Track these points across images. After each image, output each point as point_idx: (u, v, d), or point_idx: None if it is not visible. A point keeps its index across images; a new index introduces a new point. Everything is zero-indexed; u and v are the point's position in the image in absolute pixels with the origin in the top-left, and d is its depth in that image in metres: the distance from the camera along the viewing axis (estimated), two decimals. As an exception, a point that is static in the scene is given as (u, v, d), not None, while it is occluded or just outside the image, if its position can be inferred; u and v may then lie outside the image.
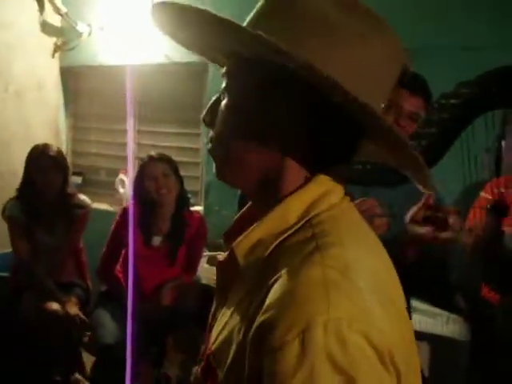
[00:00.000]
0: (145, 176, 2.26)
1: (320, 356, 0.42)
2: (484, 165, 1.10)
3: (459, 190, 1.83)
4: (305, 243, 0.51)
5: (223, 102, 0.58)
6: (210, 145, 0.61)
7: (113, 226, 2.32)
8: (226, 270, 0.60)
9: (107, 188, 3.40)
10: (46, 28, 3.27)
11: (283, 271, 0.48)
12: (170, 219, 2.29)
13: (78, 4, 3.19)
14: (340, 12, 0.52)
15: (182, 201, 2.32)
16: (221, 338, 0.56)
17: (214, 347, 0.57)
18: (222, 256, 0.60)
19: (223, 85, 0.59)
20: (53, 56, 3.36)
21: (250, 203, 0.66)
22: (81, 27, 3.11)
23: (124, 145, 3.36)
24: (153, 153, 2.32)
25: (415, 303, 1.69)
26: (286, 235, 0.53)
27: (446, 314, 1.78)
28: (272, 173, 0.56)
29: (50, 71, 3.39)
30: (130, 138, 3.32)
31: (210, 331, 0.63)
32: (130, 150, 3.32)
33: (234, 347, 0.52)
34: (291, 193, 0.55)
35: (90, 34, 3.11)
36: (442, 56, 2.04)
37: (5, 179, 3.08)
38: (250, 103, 0.55)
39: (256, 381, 0.46)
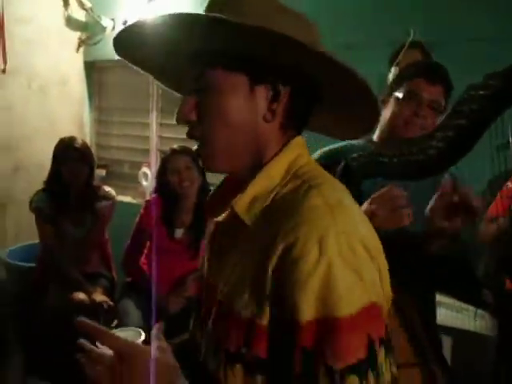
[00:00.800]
0: (167, 169, 2.29)
1: (336, 257, 0.56)
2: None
3: (486, 180, 1.79)
4: (298, 188, 0.64)
5: (207, 102, 0.67)
6: (198, 143, 0.70)
7: (137, 219, 2.36)
8: (226, 227, 0.70)
9: (130, 181, 3.44)
10: (71, 23, 3.32)
11: (289, 210, 0.61)
12: (192, 212, 2.31)
13: (101, -1, 3.22)
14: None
15: (204, 193, 2.33)
16: (231, 282, 0.65)
17: (224, 293, 0.66)
18: (219, 218, 0.69)
19: (196, 85, 0.68)
20: (77, 51, 3.41)
21: (223, 179, 0.79)
22: (105, 22, 3.14)
23: (147, 138, 3.40)
24: (175, 146, 2.35)
25: (441, 297, 1.67)
26: (278, 189, 0.66)
27: (472, 308, 1.75)
28: (257, 147, 0.68)
29: (73, 66, 3.44)
30: (153, 131, 3.35)
31: (208, 288, 0.72)
32: (153, 143, 3.36)
33: (248, 283, 0.62)
34: (273, 157, 0.68)
35: (113, 28, 3.14)
36: (465, 47, 1.99)
37: (30, 173, 3.16)
38: (240, 99, 0.66)
39: (276, 305, 0.58)
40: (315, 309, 0.55)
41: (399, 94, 1.25)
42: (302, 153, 0.70)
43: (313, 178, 0.66)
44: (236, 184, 0.71)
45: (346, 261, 0.56)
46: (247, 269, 0.63)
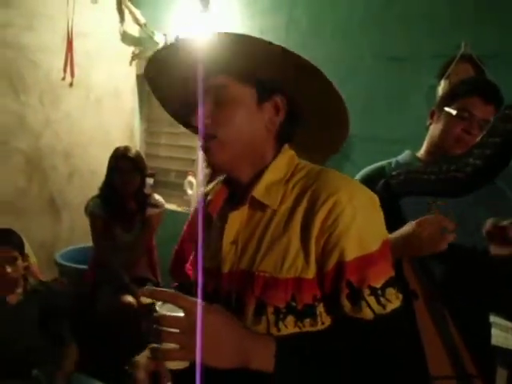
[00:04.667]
0: (214, 178, 2.34)
1: (363, 210, 0.76)
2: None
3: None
4: (308, 174, 0.83)
5: (224, 111, 0.82)
6: (207, 139, 0.83)
7: (185, 227, 2.43)
8: (246, 220, 0.83)
9: (176, 189, 3.54)
10: (125, 38, 3.48)
11: (315, 189, 0.78)
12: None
13: (155, 15, 3.37)
14: None
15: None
16: (272, 258, 0.78)
17: (265, 267, 0.78)
18: (238, 211, 0.83)
19: (213, 97, 0.83)
20: (130, 64, 3.57)
21: (216, 181, 0.95)
22: (158, 37, 3.28)
23: (192, 148, 3.50)
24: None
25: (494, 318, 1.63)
26: (287, 178, 0.84)
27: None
28: (256, 151, 0.85)
29: (126, 78, 3.60)
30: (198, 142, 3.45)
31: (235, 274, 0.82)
32: (199, 153, 3.45)
33: (291, 252, 0.77)
34: (273, 158, 0.85)
35: (165, 43, 3.27)
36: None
37: (85, 178, 3.32)
38: (250, 111, 0.83)
39: (324, 256, 0.75)
40: (356, 250, 0.74)
41: (452, 111, 1.24)
42: (294, 154, 0.88)
43: (314, 167, 0.85)
44: (231, 192, 0.90)
45: (369, 211, 0.77)
46: (286, 243, 0.77)
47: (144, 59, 3.48)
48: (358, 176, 1.38)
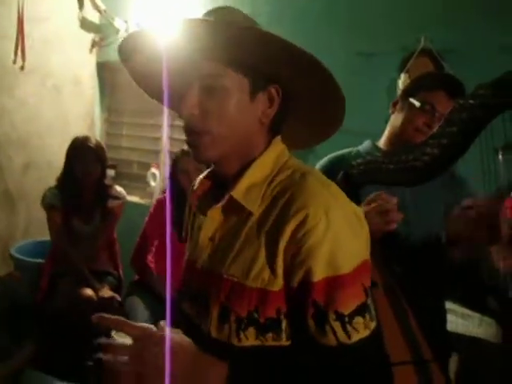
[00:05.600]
0: (178, 170, 2.31)
1: (339, 226, 0.69)
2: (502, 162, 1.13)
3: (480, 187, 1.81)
4: (292, 175, 0.77)
5: (215, 101, 0.75)
6: (193, 135, 0.77)
7: (146, 218, 2.39)
8: (224, 218, 0.79)
9: (139, 181, 3.48)
10: (85, 24, 3.37)
11: (292, 194, 0.72)
12: (202, 212, 2.33)
13: (115, 1, 3.27)
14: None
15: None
16: (240, 262, 0.74)
17: (233, 272, 0.74)
18: (217, 208, 0.79)
19: (203, 83, 0.75)
20: (90, 51, 3.46)
21: (202, 178, 0.88)
22: (118, 23, 3.19)
23: (156, 139, 3.43)
24: (185, 147, 2.38)
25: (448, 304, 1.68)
26: (270, 178, 0.78)
27: (478, 315, 1.76)
28: (247, 144, 0.79)
29: (86, 66, 3.49)
30: (164, 133, 3.39)
31: (204, 272, 0.80)
32: (165, 145, 3.39)
33: (259, 259, 0.72)
34: (261, 152, 0.79)
35: (126, 29, 3.18)
36: (477, 57, 2.01)
37: (42, 169, 3.20)
38: (243, 102, 0.76)
39: (290, 271, 0.70)
40: (325, 270, 0.69)
41: (416, 102, 1.26)
42: (284, 148, 0.83)
43: (300, 167, 0.79)
44: (218, 182, 0.84)
45: (346, 229, 0.70)
46: (256, 249, 0.73)
47: (104, 46, 3.38)
48: (318, 165, 1.39)
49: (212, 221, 0.80)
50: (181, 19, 0.70)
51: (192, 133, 0.77)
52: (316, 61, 0.72)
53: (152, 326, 0.70)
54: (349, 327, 0.69)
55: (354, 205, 0.75)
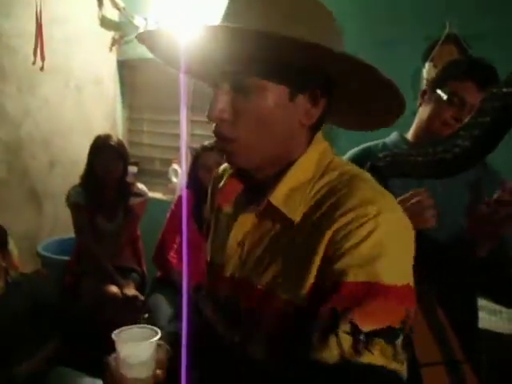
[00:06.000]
0: (198, 166, 2.31)
1: (389, 231, 0.60)
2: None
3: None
4: (339, 179, 0.68)
5: (247, 104, 0.65)
6: (225, 142, 0.68)
7: (168, 215, 2.39)
8: (260, 223, 0.71)
9: (161, 177, 3.49)
10: (105, 23, 3.39)
11: (340, 198, 0.63)
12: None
13: (134, -2, 3.28)
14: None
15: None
16: (273, 270, 0.67)
17: (270, 283, 0.67)
18: (250, 213, 0.71)
19: (235, 85, 0.66)
20: (110, 50, 3.48)
21: (229, 174, 0.78)
22: (137, 21, 3.19)
23: (177, 135, 3.44)
24: (206, 143, 2.37)
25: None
26: (314, 181, 0.69)
27: (507, 311, 1.71)
28: (286, 147, 0.70)
29: (107, 65, 3.52)
30: (183, 129, 3.39)
31: (235, 280, 0.72)
32: (184, 141, 3.40)
33: (296, 270, 0.64)
34: (301, 153, 0.70)
35: (146, 27, 3.18)
36: (506, 43, 1.94)
37: (66, 168, 3.24)
38: (280, 105, 0.66)
39: (323, 275, 0.61)
40: (359, 272, 0.58)
41: (443, 95, 1.19)
42: (327, 147, 0.74)
43: (348, 169, 0.70)
44: (251, 183, 0.75)
45: (396, 238, 0.61)
46: (294, 258, 0.65)
47: (124, 44, 3.40)
48: (344, 158, 1.35)
49: (243, 225, 0.73)
50: (204, 26, 0.61)
51: (221, 139, 0.69)
52: (363, 64, 0.62)
53: (151, 332, 0.71)
54: (361, 346, 0.54)
55: (406, 218, 0.65)
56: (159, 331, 0.71)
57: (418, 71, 2.14)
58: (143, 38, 0.71)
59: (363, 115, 0.76)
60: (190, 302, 0.75)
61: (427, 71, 2.12)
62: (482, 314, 1.75)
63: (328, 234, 0.61)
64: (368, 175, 0.70)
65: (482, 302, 1.77)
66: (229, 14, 0.66)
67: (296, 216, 0.66)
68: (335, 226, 0.61)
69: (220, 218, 0.82)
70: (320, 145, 0.72)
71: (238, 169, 0.76)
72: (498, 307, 1.78)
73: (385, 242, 0.59)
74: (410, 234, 0.64)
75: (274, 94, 0.65)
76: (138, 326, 0.72)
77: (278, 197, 0.68)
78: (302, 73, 0.65)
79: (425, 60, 2.14)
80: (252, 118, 0.66)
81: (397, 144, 1.31)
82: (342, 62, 0.62)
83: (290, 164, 0.70)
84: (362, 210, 0.60)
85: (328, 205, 0.64)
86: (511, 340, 1.71)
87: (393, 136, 1.36)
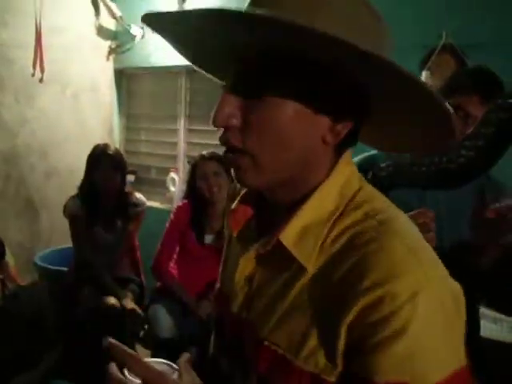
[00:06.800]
0: (196, 175, 2.31)
1: (427, 316, 0.49)
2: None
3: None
4: (364, 223, 0.55)
5: (261, 113, 0.54)
6: (233, 153, 0.58)
7: (167, 224, 2.38)
8: (269, 259, 0.60)
9: (158, 186, 3.49)
10: (101, 31, 3.39)
11: (365, 256, 0.51)
12: (222, 217, 2.32)
13: (131, 8, 3.28)
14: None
15: (234, 199, 2.34)
16: (286, 328, 0.57)
17: (276, 338, 0.57)
18: (260, 248, 0.61)
19: (248, 89, 0.55)
20: (107, 58, 3.48)
21: (242, 193, 0.68)
22: (134, 30, 3.20)
23: (174, 144, 3.44)
24: (204, 152, 2.37)
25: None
26: (333, 219, 0.56)
27: (510, 320, 1.71)
28: (304, 167, 0.58)
29: (104, 73, 3.52)
30: (181, 137, 3.39)
31: (241, 323, 0.64)
32: (181, 149, 3.39)
33: (313, 333, 0.54)
34: (322, 178, 0.58)
35: (142, 36, 3.19)
36: (504, 52, 1.95)
37: (63, 177, 3.23)
38: (301, 119, 0.54)
39: (351, 363, 0.51)
40: (395, 372, 0.49)
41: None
42: (353, 171, 0.61)
43: (377, 209, 0.56)
44: (266, 204, 0.64)
45: (438, 322, 0.50)
46: (309, 317, 0.55)
47: (121, 53, 3.40)
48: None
49: (251, 259, 0.63)
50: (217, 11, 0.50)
51: (229, 149, 0.58)
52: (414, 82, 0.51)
53: (168, 368, 0.61)
54: None
55: (450, 280, 0.54)
56: (177, 367, 0.64)
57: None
58: (150, 21, 0.59)
59: (397, 135, 0.64)
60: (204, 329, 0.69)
61: (424, 79, 2.13)
62: (484, 323, 1.75)
63: (353, 310, 0.50)
64: (401, 221, 0.57)
65: (484, 311, 1.77)
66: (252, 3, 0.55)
67: (309, 264, 0.56)
68: (361, 303, 0.50)
69: (231, 243, 0.74)
70: (345, 168, 0.60)
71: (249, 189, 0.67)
72: (501, 316, 1.77)
73: (425, 333, 0.49)
74: (457, 303, 0.53)
75: (293, 103, 0.54)
76: (155, 360, 0.67)
77: (289, 235, 0.57)
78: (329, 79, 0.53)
79: (421, 69, 2.14)
80: (266, 128, 0.54)
81: (400, 154, 1.31)
82: (381, 72, 0.50)
83: (308, 191, 0.58)
84: (393, 288, 0.49)
85: (352, 262, 0.52)
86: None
87: None
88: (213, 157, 2.31)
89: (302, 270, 0.56)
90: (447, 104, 0.53)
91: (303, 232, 0.57)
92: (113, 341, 0.59)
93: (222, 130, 0.58)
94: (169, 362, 0.65)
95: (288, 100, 0.53)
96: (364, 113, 0.58)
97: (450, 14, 2.12)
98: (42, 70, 3.01)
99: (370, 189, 0.61)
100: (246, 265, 0.64)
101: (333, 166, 0.59)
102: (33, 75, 3.01)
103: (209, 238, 2.31)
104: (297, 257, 0.56)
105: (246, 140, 0.56)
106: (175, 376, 0.60)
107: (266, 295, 0.60)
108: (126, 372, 0.59)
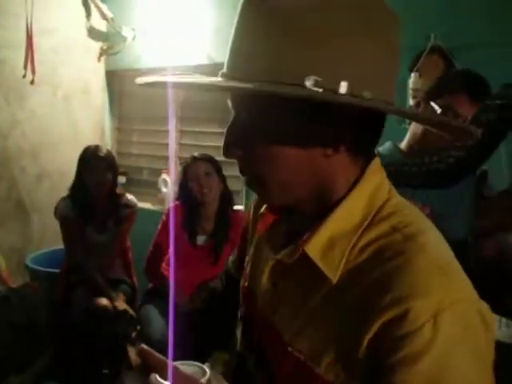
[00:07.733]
0: (187, 176, 2.31)
1: (452, 336, 0.48)
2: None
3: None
4: (389, 236, 0.54)
5: (255, 144, 0.55)
6: (246, 177, 0.60)
7: (159, 226, 2.39)
8: (294, 268, 0.60)
9: (150, 187, 3.48)
10: (93, 33, 3.38)
11: (390, 271, 0.51)
12: (214, 218, 2.33)
13: (122, 9, 3.28)
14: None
15: (226, 200, 2.35)
16: (310, 337, 0.57)
17: (299, 346, 0.58)
18: (286, 257, 0.60)
19: (240, 118, 0.57)
20: (98, 60, 3.47)
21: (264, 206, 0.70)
22: (125, 32, 3.20)
23: (166, 145, 3.44)
24: (196, 153, 2.37)
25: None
26: (359, 232, 0.56)
27: (496, 317, 1.72)
28: (319, 182, 0.57)
29: (95, 75, 3.50)
30: (172, 138, 3.39)
31: (267, 326, 0.64)
32: (172, 151, 3.40)
33: (334, 345, 0.54)
34: (348, 192, 0.57)
35: (134, 38, 3.19)
36: (491, 54, 1.98)
37: (54, 179, 3.22)
38: (295, 146, 0.54)
39: (370, 379, 0.51)
40: None
41: (436, 108, 1.20)
42: (382, 181, 0.60)
43: (403, 224, 0.55)
44: (292, 212, 0.64)
45: (463, 340, 0.49)
46: (331, 327, 0.55)
47: (112, 54, 3.40)
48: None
49: (276, 266, 0.63)
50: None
51: (244, 175, 0.60)
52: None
53: (198, 370, 0.62)
54: None
55: (477, 300, 0.52)
56: (208, 370, 0.64)
57: (404, 81, 2.17)
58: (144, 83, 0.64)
59: None
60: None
61: (413, 81, 2.15)
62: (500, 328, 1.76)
63: (374, 326, 0.50)
64: (429, 236, 0.55)
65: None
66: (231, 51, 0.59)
67: (335, 276, 0.55)
68: (384, 317, 0.49)
69: (260, 243, 0.74)
70: (374, 177, 0.59)
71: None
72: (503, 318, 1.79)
73: (448, 353, 0.48)
74: (486, 324, 0.51)
75: (282, 142, 0.55)
76: (184, 362, 0.65)
77: (315, 247, 0.56)
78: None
79: (411, 70, 2.17)
80: (261, 161, 0.56)
81: (391, 153, 1.33)
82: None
83: (334, 202, 0.58)
84: (415, 305, 0.48)
85: (375, 276, 0.52)
86: (500, 345, 1.72)
87: (387, 145, 1.38)
88: (204, 158, 2.31)
89: (325, 279, 0.56)
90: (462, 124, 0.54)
91: (330, 244, 0.56)
92: (145, 346, 0.60)
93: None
94: (199, 364, 0.66)
95: (277, 139, 0.54)
96: (367, 126, 0.56)
97: (439, 17, 2.15)
98: (33, 72, 3.00)
99: (399, 199, 0.60)
100: (273, 269, 0.64)
101: (359, 175, 0.58)
102: (24, 76, 3.00)
103: (201, 239, 2.32)
104: (323, 269, 0.56)
105: (249, 167, 0.58)
106: (204, 380, 0.60)
107: (289, 301, 0.61)
108: (158, 377, 0.59)
